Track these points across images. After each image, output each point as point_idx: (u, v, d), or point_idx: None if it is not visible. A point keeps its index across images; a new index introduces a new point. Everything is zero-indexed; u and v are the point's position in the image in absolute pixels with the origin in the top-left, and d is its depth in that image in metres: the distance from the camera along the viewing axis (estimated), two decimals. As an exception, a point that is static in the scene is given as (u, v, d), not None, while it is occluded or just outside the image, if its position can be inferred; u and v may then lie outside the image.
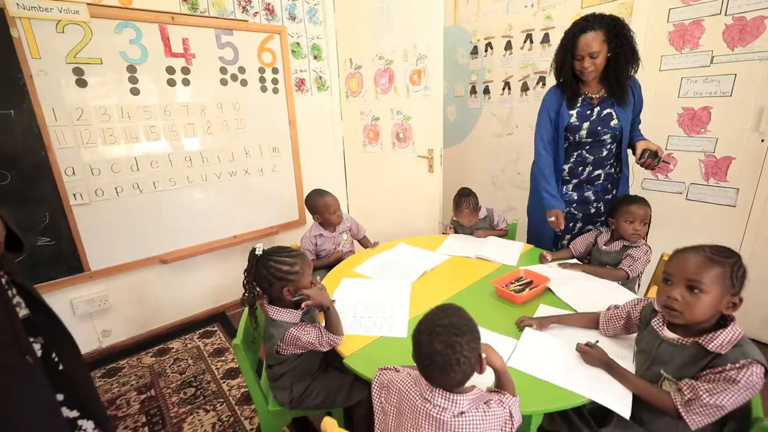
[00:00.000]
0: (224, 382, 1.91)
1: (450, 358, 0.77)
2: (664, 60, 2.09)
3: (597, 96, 1.71)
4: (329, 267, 1.93)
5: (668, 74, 2.09)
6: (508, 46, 2.77)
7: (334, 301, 1.28)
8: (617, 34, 1.55)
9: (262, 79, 2.44)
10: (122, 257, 2.16)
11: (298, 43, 2.56)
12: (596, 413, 1.06)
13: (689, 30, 1.99)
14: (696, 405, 0.87)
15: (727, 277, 0.88)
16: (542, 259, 1.81)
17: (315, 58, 2.65)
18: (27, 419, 0.76)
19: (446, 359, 0.77)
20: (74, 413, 0.93)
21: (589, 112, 1.72)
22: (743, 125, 1.91)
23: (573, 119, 1.73)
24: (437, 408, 0.80)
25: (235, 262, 2.58)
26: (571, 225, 1.92)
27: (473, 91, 3.07)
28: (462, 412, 0.79)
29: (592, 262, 1.77)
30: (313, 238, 2.04)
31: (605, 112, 1.70)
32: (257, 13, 2.35)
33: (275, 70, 2.48)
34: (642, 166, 1.66)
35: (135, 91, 2.06)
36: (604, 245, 1.70)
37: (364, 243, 2.09)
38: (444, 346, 0.77)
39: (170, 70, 2.13)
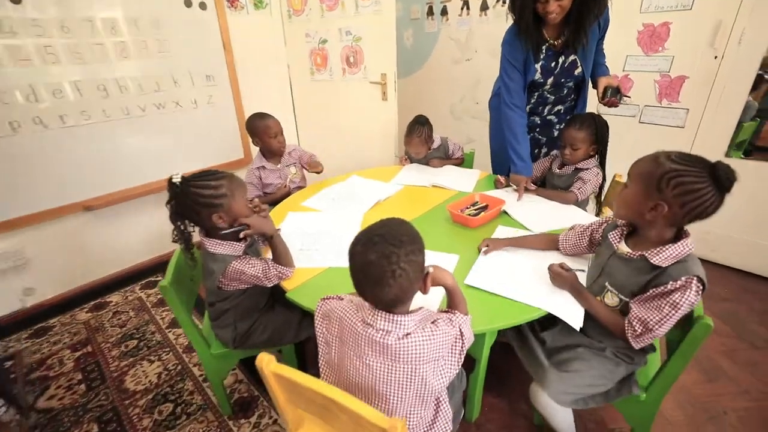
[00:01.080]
0: (170, 331, 1.79)
1: (385, 269, 0.68)
2: (627, -30, 1.96)
3: (559, 42, 1.52)
4: (277, 204, 1.79)
5: (631, -14, 1.97)
6: (467, -42, 2.50)
7: (279, 229, 1.16)
8: None
9: (182, -11, 2.06)
10: (34, 206, 1.88)
11: (224, -54, 2.15)
12: (540, 320, 1.06)
13: (656, -66, 1.84)
14: (646, 336, 0.90)
15: (655, 180, 0.84)
16: (497, 184, 1.76)
17: (248, -33, 2.26)
18: None
19: (381, 271, 0.68)
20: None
21: (553, 63, 1.56)
22: (699, 41, 1.86)
23: (537, 75, 1.59)
24: (380, 332, 0.72)
25: (175, 206, 2.35)
26: (536, 151, 1.85)
27: (430, 12, 2.81)
28: (407, 334, 0.72)
29: (546, 185, 1.75)
30: (255, 171, 1.86)
31: (569, 60, 1.55)
32: None
33: (198, -21, 2.09)
34: (604, 105, 1.56)
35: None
36: (558, 169, 1.67)
37: (314, 166, 1.93)
38: (379, 256, 0.68)
39: (60, -28, 1.73)
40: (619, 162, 1.61)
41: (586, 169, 1.56)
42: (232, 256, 1.07)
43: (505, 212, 1.49)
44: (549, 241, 1.22)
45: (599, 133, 1.52)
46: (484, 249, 1.22)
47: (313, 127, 2.73)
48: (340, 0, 2.20)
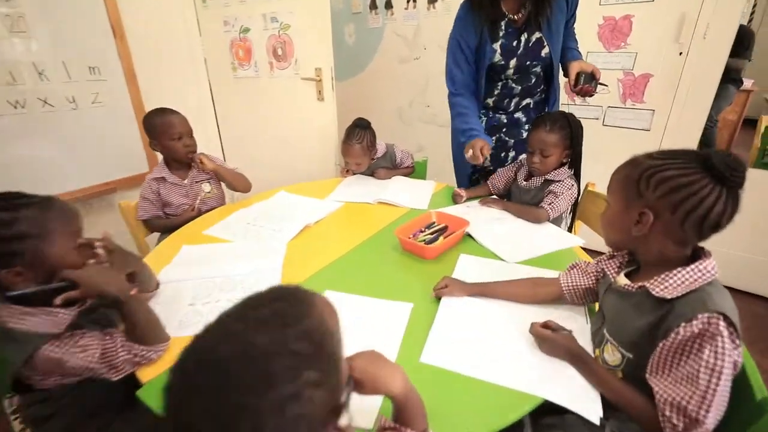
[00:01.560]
0: None
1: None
2: (585, -42, 1.78)
3: (519, 16, 1.30)
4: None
5: (589, -24, 1.79)
6: (411, -57, 2.24)
7: (157, 286, 0.75)
8: None
9: (47, -47, 1.57)
10: None
11: None
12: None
13: None
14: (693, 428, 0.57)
15: (633, 184, 0.66)
16: (456, 198, 1.46)
17: (143, -67, 1.82)
18: None
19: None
20: None
21: (516, 42, 1.32)
22: (663, 36, 1.71)
23: (497, 57, 1.33)
24: None
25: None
26: (502, 155, 1.57)
27: (373, 5, 2.51)
28: None
29: (512, 201, 1.47)
30: (153, 182, 1.43)
31: (534, 38, 1.31)
32: None
33: (71, -58, 1.62)
34: (578, 94, 1.32)
35: None
36: (524, 181, 1.39)
37: (233, 183, 1.54)
38: (210, 416, 0.31)
39: None
40: (582, 168, 1.37)
41: (558, 181, 1.29)
42: (41, 336, 0.65)
43: (469, 235, 1.19)
44: (533, 289, 0.89)
45: (574, 135, 1.27)
46: (439, 291, 0.89)
47: (238, 133, 2.29)
48: (263, -21, 1.83)
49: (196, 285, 0.97)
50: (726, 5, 1.55)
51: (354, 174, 1.74)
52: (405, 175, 1.72)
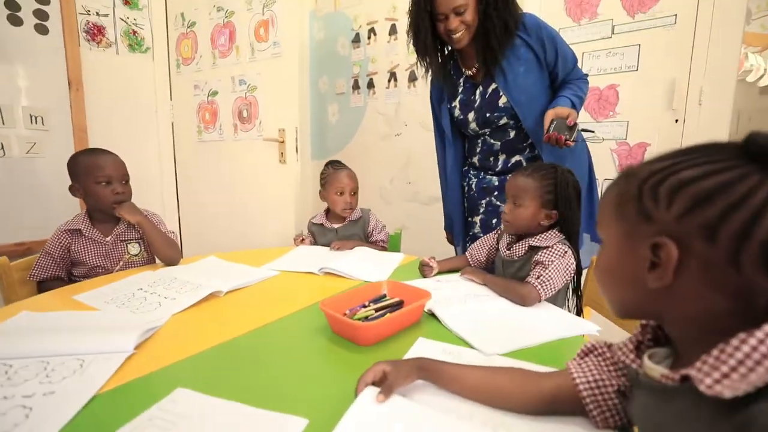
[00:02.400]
0: None
1: None
2: (562, 34, 1.74)
3: (475, 70, 1.25)
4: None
5: (567, 50, 1.74)
6: (393, 31, 2.32)
7: None
8: None
9: (12, 5, 1.56)
10: None
11: (93, -26, 1.77)
12: None
13: (585, -3, 1.68)
14: None
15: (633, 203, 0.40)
16: (424, 270, 1.12)
17: (126, 3, 1.87)
18: None
19: None
20: None
21: (472, 96, 1.26)
22: (655, 103, 1.57)
23: (457, 113, 1.30)
24: None
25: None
26: (494, 221, 1.32)
27: (356, 86, 2.53)
28: None
29: (495, 275, 1.14)
30: (64, 236, 1.16)
31: (489, 89, 1.23)
32: None
33: (43, 0, 1.63)
34: (551, 143, 1.11)
35: None
36: (507, 249, 1.08)
37: (158, 247, 1.22)
38: None
39: None
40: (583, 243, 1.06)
41: (546, 247, 0.96)
42: None
43: (431, 314, 0.83)
44: (523, 384, 0.51)
45: (560, 190, 0.99)
46: (377, 397, 0.50)
47: (197, 197, 2.08)
48: (235, 44, 1.81)
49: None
50: (717, 71, 1.43)
51: (314, 242, 1.46)
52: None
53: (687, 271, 0.32)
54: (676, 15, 1.49)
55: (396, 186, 2.47)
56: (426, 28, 1.15)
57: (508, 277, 1.05)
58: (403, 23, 2.27)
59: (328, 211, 1.53)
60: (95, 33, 1.79)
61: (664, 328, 0.39)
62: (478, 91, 1.25)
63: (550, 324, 0.80)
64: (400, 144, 2.39)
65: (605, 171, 1.69)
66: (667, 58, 1.53)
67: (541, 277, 0.91)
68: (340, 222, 1.49)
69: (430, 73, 1.28)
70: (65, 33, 1.68)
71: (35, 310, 0.85)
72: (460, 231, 1.43)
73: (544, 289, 0.90)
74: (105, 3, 1.81)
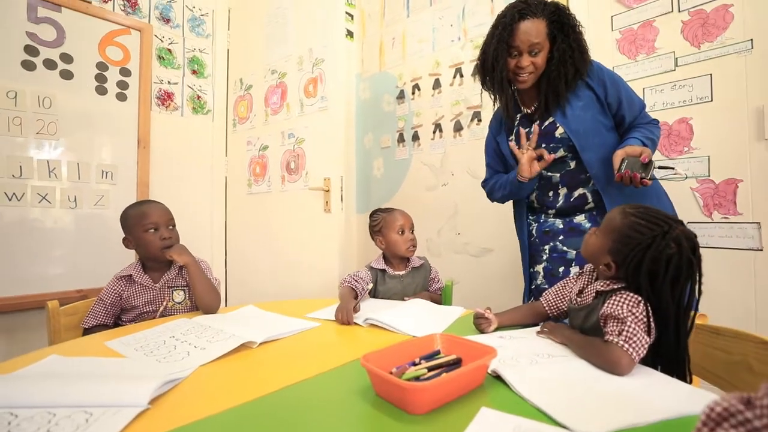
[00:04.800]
0: None
1: None
2: (617, 72, 1.66)
3: (533, 109, 1.23)
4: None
5: (626, 87, 1.64)
6: (437, 85, 2.37)
7: None
8: (562, 27, 1.10)
9: (100, 78, 1.78)
10: None
11: (169, 50, 2.00)
12: None
13: (640, 34, 1.61)
14: None
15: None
16: (480, 324, 0.96)
17: (194, 72, 2.08)
18: None
19: None
20: None
21: (527, 129, 1.22)
22: (740, 135, 1.38)
23: (514, 148, 1.24)
24: None
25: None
26: (561, 270, 1.17)
27: (401, 139, 2.55)
28: None
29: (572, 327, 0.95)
30: (117, 283, 1.18)
31: (547, 122, 1.18)
32: (109, 0, 1.83)
33: (125, 72, 1.85)
34: (624, 183, 1.00)
35: None
36: (577, 296, 0.91)
37: (200, 292, 1.19)
38: None
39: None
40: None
41: (613, 297, 0.76)
42: None
43: (496, 376, 0.67)
44: None
45: (634, 252, 0.76)
46: None
47: (244, 248, 2.09)
48: (286, 101, 1.91)
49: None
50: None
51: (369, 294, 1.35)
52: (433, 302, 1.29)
53: None
54: (751, 40, 1.36)
55: (444, 238, 2.35)
56: (504, 60, 1.13)
57: (576, 328, 0.87)
58: (447, 76, 2.33)
59: (385, 258, 1.44)
60: (165, 98, 1.98)
61: None
62: (535, 125, 1.20)
63: (660, 394, 0.61)
64: (447, 194, 2.31)
65: (687, 213, 1.47)
66: (749, 86, 1.37)
67: (625, 334, 0.70)
68: (403, 268, 1.40)
69: (496, 104, 1.27)
70: (140, 100, 1.87)
71: (66, 354, 0.81)
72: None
73: (634, 350, 0.69)
74: (176, 73, 2.02)
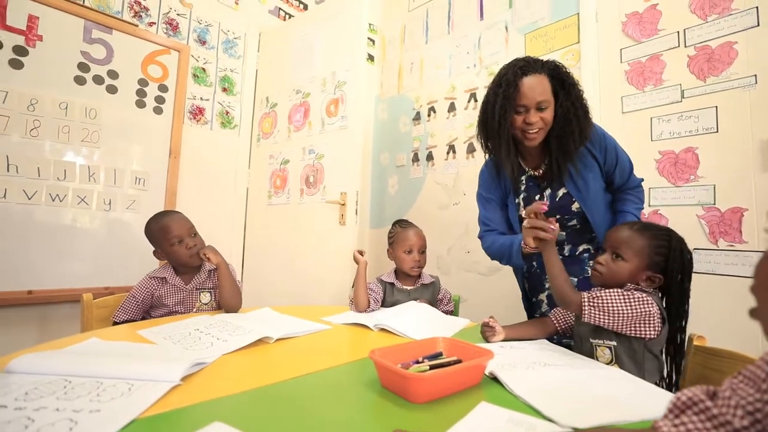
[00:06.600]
0: None
1: None
2: (625, 101, 1.73)
3: (540, 171, 1.20)
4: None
5: (634, 116, 1.70)
6: (452, 108, 2.47)
7: None
8: (563, 84, 1.08)
9: (141, 93, 1.94)
10: None
11: (203, 69, 2.17)
12: None
13: (648, 66, 1.68)
14: None
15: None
16: (486, 333, 1.02)
17: (224, 90, 2.24)
18: None
19: None
20: None
21: (538, 197, 1.20)
22: (746, 165, 1.42)
23: (521, 210, 1.23)
24: None
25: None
26: None
27: (416, 159, 2.65)
28: None
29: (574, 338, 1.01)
30: (151, 282, 1.28)
31: (560, 193, 1.17)
32: (154, 23, 2.00)
33: (163, 88, 2.00)
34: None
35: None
36: None
37: (226, 292, 1.28)
38: None
39: (-3, 44, 1.61)
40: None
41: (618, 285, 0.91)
42: None
43: (493, 378, 0.73)
44: None
45: (673, 255, 0.90)
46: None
47: (260, 257, 2.18)
48: (308, 120, 2.03)
49: (45, 382, 0.62)
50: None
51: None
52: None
53: None
54: (755, 75, 1.42)
55: (454, 255, 2.40)
56: (508, 119, 1.07)
57: (582, 336, 0.94)
58: (462, 101, 2.43)
59: (397, 272, 1.50)
60: (196, 113, 2.13)
61: None
62: (546, 194, 1.19)
63: (640, 399, 0.65)
64: (458, 213, 2.38)
65: (694, 240, 1.50)
66: (753, 118, 1.42)
67: (594, 293, 0.86)
68: (411, 284, 1.46)
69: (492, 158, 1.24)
70: (174, 113, 2.02)
71: (103, 338, 0.89)
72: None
73: (591, 304, 0.85)
74: (208, 90, 2.18)
